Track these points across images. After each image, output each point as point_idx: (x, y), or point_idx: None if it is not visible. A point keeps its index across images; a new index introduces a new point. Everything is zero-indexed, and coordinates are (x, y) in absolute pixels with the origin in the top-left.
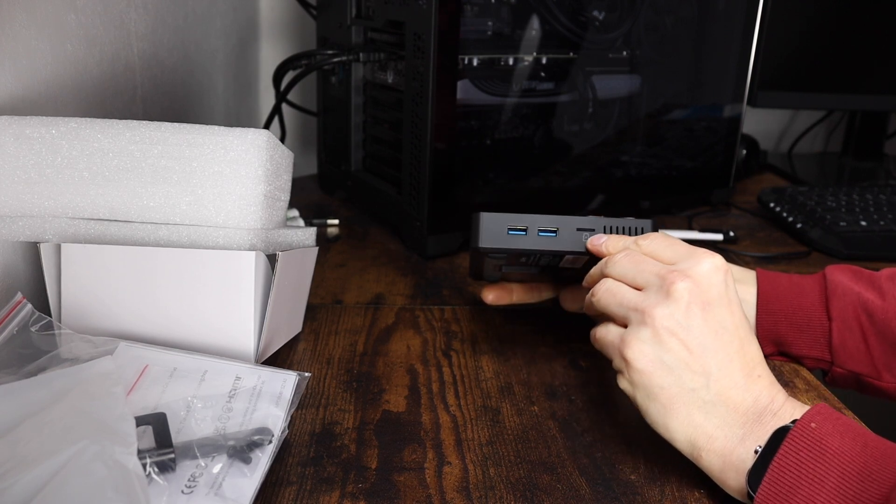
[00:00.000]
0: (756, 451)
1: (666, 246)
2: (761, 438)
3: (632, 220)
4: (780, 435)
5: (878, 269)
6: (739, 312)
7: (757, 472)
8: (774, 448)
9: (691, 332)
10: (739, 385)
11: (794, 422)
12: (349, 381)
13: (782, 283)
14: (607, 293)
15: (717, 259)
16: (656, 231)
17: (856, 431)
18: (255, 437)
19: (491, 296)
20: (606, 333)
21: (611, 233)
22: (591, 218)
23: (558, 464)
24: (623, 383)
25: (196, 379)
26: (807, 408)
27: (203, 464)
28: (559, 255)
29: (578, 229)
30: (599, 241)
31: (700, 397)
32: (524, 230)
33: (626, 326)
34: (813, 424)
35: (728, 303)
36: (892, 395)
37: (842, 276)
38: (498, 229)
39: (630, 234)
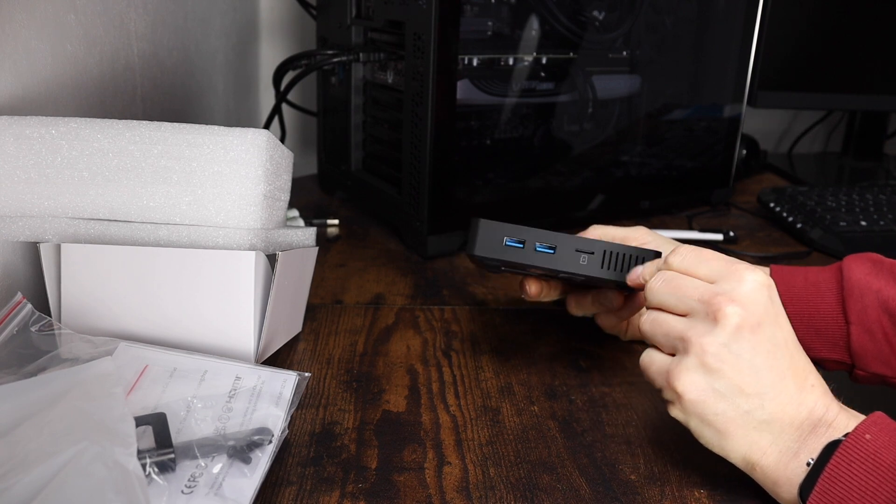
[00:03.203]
0: (808, 464)
1: (700, 261)
2: (815, 451)
3: (635, 248)
4: (832, 447)
5: None
6: (787, 326)
7: (808, 485)
8: (826, 460)
9: (742, 357)
10: (794, 399)
11: (847, 434)
12: (349, 381)
13: (797, 283)
14: (652, 324)
15: (758, 275)
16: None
17: None
18: (255, 437)
19: (533, 289)
20: (651, 363)
21: (610, 258)
22: (591, 241)
23: (558, 464)
24: (675, 412)
25: (196, 379)
26: (862, 417)
27: (203, 464)
28: (554, 272)
29: (577, 250)
30: (636, 275)
31: (755, 418)
32: (522, 243)
33: (673, 354)
34: (868, 436)
35: (775, 318)
36: None
37: (860, 270)
38: (495, 238)
39: (630, 263)
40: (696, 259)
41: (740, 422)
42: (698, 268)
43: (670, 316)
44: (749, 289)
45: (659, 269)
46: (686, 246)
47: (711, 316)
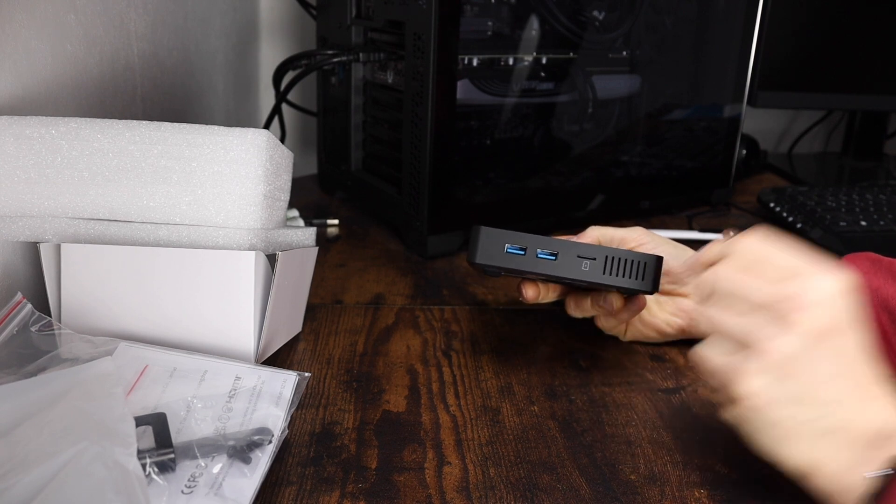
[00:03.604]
0: (869, 478)
1: (768, 255)
2: (878, 464)
3: (637, 253)
4: None
5: None
6: (859, 336)
7: (870, 499)
8: (891, 475)
9: (809, 364)
10: (857, 410)
11: None
12: (349, 381)
13: None
14: (712, 321)
15: (834, 280)
16: (660, 266)
17: None
18: (255, 437)
19: (530, 293)
20: (709, 360)
21: (612, 263)
22: (593, 246)
23: (558, 464)
24: (729, 414)
25: (196, 379)
26: None
27: (203, 464)
28: (556, 278)
29: (579, 256)
30: (697, 262)
31: (816, 427)
32: (523, 250)
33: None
34: None
35: (848, 327)
36: None
37: (858, 269)
38: (496, 246)
39: (632, 268)
40: (765, 253)
41: (799, 430)
42: (767, 263)
43: (734, 314)
44: (823, 294)
45: (721, 254)
46: (753, 237)
47: (781, 318)
